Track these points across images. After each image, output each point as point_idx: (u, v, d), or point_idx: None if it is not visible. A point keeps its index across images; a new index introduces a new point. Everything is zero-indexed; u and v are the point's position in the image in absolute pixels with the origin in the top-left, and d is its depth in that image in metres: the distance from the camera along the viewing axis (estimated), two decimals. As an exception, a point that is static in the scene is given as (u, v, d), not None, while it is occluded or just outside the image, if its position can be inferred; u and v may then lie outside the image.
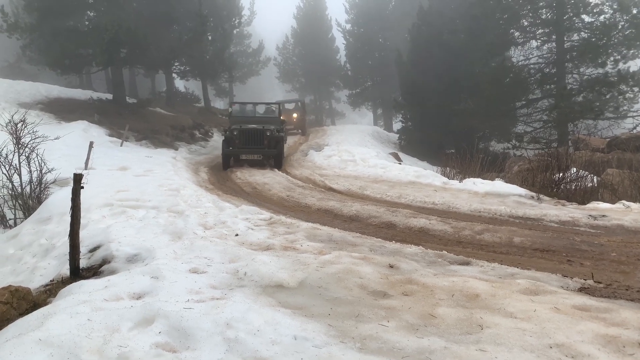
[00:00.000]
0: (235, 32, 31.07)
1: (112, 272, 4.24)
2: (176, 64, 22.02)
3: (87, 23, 18.76)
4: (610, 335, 2.80)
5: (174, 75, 24.51)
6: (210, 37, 23.33)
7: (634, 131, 15.29)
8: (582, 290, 3.82)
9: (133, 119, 18.06)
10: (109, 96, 21.28)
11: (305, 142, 20.03)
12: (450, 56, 19.96)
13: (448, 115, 19.85)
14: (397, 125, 29.27)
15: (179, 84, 30.11)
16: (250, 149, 13.29)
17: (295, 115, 24.20)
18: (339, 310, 3.26)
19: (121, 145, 14.83)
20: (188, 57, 21.12)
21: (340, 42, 38.47)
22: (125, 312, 3.05)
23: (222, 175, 12.56)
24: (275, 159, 13.53)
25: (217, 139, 20.97)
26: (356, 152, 15.29)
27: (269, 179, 11.26)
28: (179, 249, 4.75)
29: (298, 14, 40.82)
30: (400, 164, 15.01)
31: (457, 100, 19.67)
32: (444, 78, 20.09)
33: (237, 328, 2.85)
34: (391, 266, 4.24)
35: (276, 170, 13.07)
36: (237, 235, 5.60)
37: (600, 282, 4.00)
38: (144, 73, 26.86)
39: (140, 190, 8.05)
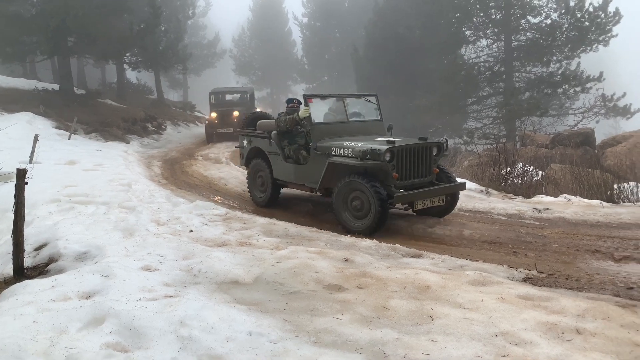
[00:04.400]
0: (189, 23, 30.42)
1: (60, 271, 4.09)
2: (128, 54, 21.30)
3: (31, 9, 17.85)
4: (551, 322, 2.96)
5: (125, 66, 23.69)
6: (163, 28, 22.69)
7: (575, 128, 16.13)
8: (526, 280, 4.01)
9: (82, 110, 17.35)
10: (56, 86, 20.35)
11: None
12: (406, 52, 20.31)
13: (403, 111, 20.21)
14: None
15: (131, 75, 29.15)
16: (423, 188, 6.26)
17: (236, 113, 17.03)
18: (295, 305, 3.28)
19: (69, 138, 14.25)
20: (140, 48, 20.47)
21: (297, 35, 38.40)
22: (73, 313, 2.96)
23: (176, 168, 12.31)
24: (453, 199, 6.69)
25: (170, 132, 20.51)
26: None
27: (225, 174, 11.12)
28: (130, 246, 4.64)
29: (254, 6, 40.49)
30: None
31: (412, 97, 20.05)
32: (399, 74, 20.43)
33: (191, 326, 2.83)
34: (346, 260, 4.31)
35: (232, 164, 12.91)
36: (191, 231, 5.53)
37: (542, 272, 4.21)
38: (93, 63, 25.86)
39: (90, 186, 7.78)
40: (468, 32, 19.04)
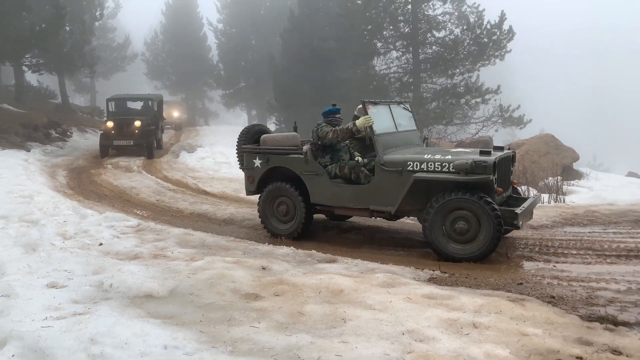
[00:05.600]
0: (97, 24, 28.85)
1: (-49, 293, 3.77)
2: (27, 55, 19.77)
3: None
4: (451, 319, 3.23)
5: (25, 68, 21.96)
6: (68, 29, 21.36)
7: (476, 136, 17.45)
8: (431, 280, 4.32)
9: (-27, 116, 15.90)
10: (-59, 89, 18.48)
11: (177, 143, 19.38)
12: (321, 62, 20.73)
13: (319, 119, 20.58)
14: (271, 126, 29.54)
15: (31, 77, 27.05)
16: (524, 205, 5.69)
17: (137, 123, 15.24)
18: (211, 316, 3.30)
19: (-42, 146, 13.00)
20: (41, 49, 19.09)
21: (212, 41, 37.79)
22: (-30, 337, 2.77)
23: (83, 178, 11.65)
24: None
25: (76, 139, 19.34)
26: (231, 154, 15.07)
27: (137, 183, 10.73)
28: (34, 262, 4.38)
29: (167, 10, 39.29)
30: (274, 165, 15.18)
31: (327, 105, 20.46)
32: (315, 83, 20.80)
33: (102, 343, 2.76)
34: (264, 268, 4.38)
35: (144, 172, 12.47)
36: (101, 244, 5.32)
37: (445, 272, 4.55)
38: (-15, 64, 23.74)
39: (-16, 198, 7.20)
40: (379, 44, 19.89)
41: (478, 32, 17.75)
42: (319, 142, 6.01)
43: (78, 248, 5.03)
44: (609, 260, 4.92)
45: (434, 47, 19.15)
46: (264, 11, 34.11)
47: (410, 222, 7.04)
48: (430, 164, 5.29)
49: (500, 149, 5.72)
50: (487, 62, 18.27)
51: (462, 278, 4.39)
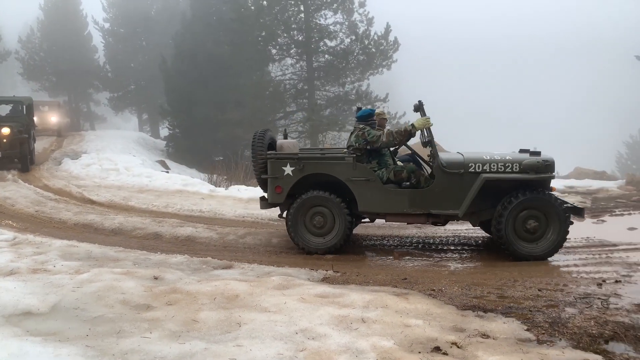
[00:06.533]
0: (-41, 16, 25.84)
1: None
2: None
3: None
4: (342, 315, 3.40)
5: None
6: None
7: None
8: (324, 280, 4.50)
9: None
10: None
11: (59, 149, 17.95)
12: (215, 66, 20.47)
13: (215, 124, 20.29)
14: (164, 131, 28.45)
15: None
16: None
17: (6, 130, 12.53)
18: (99, 330, 3.16)
19: None
20: None
21: (98, 41, 35.53)
22: None
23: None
24: None
25: None
26: (119, 160, 14.42)
27: (12, 193, 9.78)
28: None
29: (46, 5, 36.16)
30: (167, 172, 14.76)
31: (223, 110, 20.30)
32: (210, 88, 20.48)
33: (-28, 367, 2.54)
34: (156, 278, 4.26)
35: (21, 181, 11.41)
36: (-32, 262, 4.80)
37: (338, 272, 4.77)
38: None
39: None
40: (274, 51, 20.16)
41: (366, 42, 18.72)
42: (368, 147, 5.66)
43: (-61, 267, 4.50)
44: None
45: (326, 55, 19.84)
46: (154, 12, 32.83)
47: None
48: (493, 165, 5.41)
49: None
50: (375, 71, 19.31)
51: (353, 276, 4.63)
